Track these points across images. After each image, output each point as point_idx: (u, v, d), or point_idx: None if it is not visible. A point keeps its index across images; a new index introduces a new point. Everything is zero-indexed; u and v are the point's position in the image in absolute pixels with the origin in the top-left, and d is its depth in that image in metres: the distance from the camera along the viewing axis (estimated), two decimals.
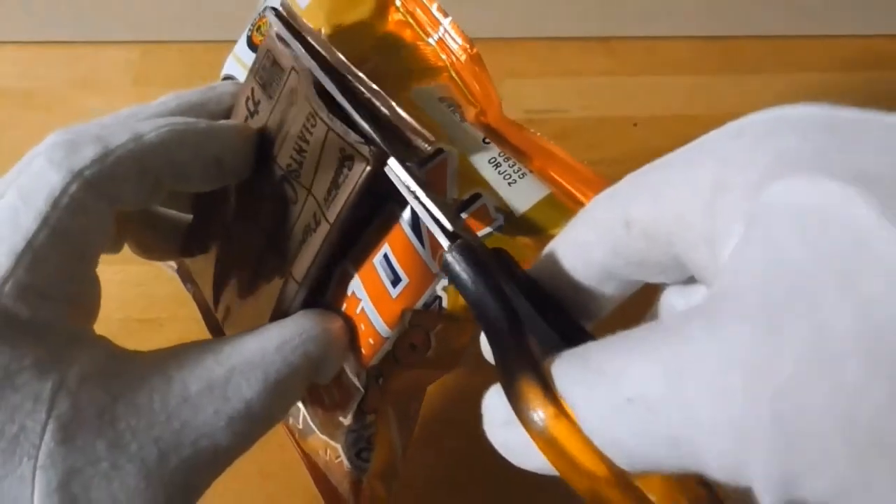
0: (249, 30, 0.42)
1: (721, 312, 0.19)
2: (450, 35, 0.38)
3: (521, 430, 0.22)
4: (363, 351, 0.34)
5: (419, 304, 0.33)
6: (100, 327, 0.49)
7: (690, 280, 0.25)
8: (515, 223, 0.33)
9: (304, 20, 0.34)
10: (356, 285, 0.34)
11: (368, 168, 0.29)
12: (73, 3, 0.65)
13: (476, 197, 0.33)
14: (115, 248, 0.36)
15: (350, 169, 0.30)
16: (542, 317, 0.26)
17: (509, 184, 0.33)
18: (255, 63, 0.35)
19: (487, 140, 0.35)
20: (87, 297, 0.31)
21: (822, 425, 0.17)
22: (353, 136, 0.30)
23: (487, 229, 0.33)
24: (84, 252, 0.30)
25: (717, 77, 0.65)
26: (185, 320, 0.53)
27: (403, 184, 0.29)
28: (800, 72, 0.66)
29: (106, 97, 0.65)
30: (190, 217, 0.39)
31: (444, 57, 0.38)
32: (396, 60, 0.37)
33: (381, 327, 0.33)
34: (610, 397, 0.20)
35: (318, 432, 0.38)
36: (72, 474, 0.26)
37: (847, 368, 0.17)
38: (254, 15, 0.42)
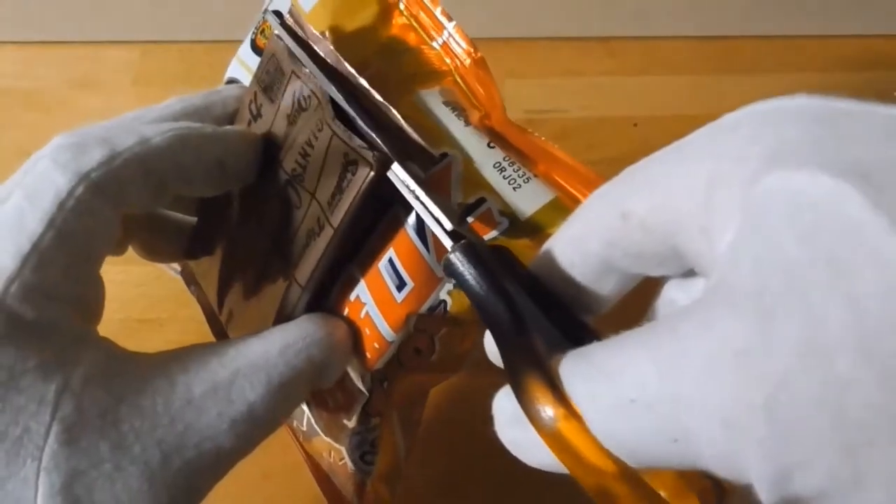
0: (253, 33, 0.42)
1: (714, 308, 0.20)
2: (454, 39, 0.38)
3: (530, 428, 0.22)
4: (367, 355, 0.34)
5: (424, 309, 0.33)
6: (100, 327, 0.49)
7: (690, 273, 0.25)
8: (520, 227, 0.33)
9: (311, 26, 0.34)
10: (361, 289, 0.34)
11: (372, 173, 0.29)
12: (73, 3, 0.65)
13: (481, 201, 0.33)
14: (119, 250, 0.36)
15: (353, 174, 0.30)
16: (545, 314, 0.26)
17: (514, 188, 0.34)
18: (258, 67, 0.35)
19: (492, 144, 0.35)
20: (91, 298, 0.31)
21: (814, 419, 0.18)
22: (357, 141, 0.30)
23: (493, 233, 0.33)
24: (89, 254, 0.30)
25: (717, 77, 0.65)
26: (186, 321, 0.53)
27: (405, 185, 0.29)
28: (800, 72, 0.66)
29: (106, 97, 0.65)
30: (194, 220, 0.39)
31: (448, 61, 0.38)
32: (400, 64, 0.38)
33: (386, 331, 0.33)
34: (613, 397, 0.20)
35: (322, 434, 0.38)
36: (75, 476, 0.26)
37: (838, 362, 0.17)
38: (257, 18, 0.42)
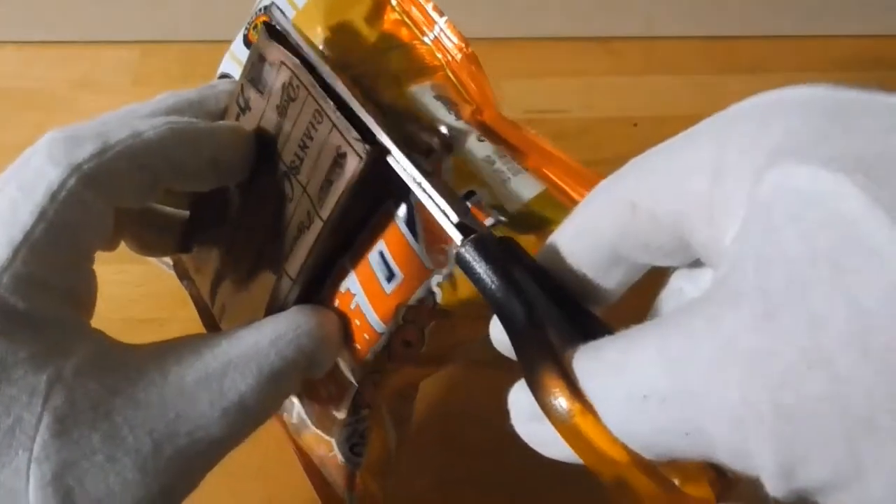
0: (246, 28, 0.42)
1: (721, 305, 0.20)
2: (445, 34, 0.38)
3: (546, 422, 0.22)
4: (357, 346, 0.34)
5: (413, 300, 0.33)
6: (101, 327, 0.49)
7: (697, 263, 0.25)
8: (511, 220, 0.33)
9: (297, 31, 0.34)
10: (351, 281, 0.34)
11: (361, 165, 0.30)
12: (73, 3, 0.65)
13: (471, 194, 0.33)
14: (112, 245, 0.36)
15: (343, 166, 0.30)
16: (555, 306, 0.26)
17: (504, 181, 0.34)
18: (246, 60, 0.35)
19: (482, 138, 0.35)
20: (83, 290, 0.31)
21: (819, 413, 0.18)
22: (353, 134, 0.30)
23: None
24: (81, 246, 0.30)
25: (718, 77, 0.65)
26: (186, 321, 0.53)
27: (409, 175, 0.29)
28: (800, 71, 0.66)
29: (106, 97, 0.65)
30: (186, 213, 0.39)
31: (439, 56, 0.38)
32: (392, 59, 0.38)
33: (376, 323, 0.33)
34: (625, 393, 0.21)
35: (312, 427, 0.38)
36: (66, 467, 0.26)
37: (839, 360, 0.17)
38: (251, 13, 0.42)
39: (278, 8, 0.37)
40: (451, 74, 0.38)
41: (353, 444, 0.37)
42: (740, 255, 0.20)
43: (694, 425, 0.20)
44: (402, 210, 0.32)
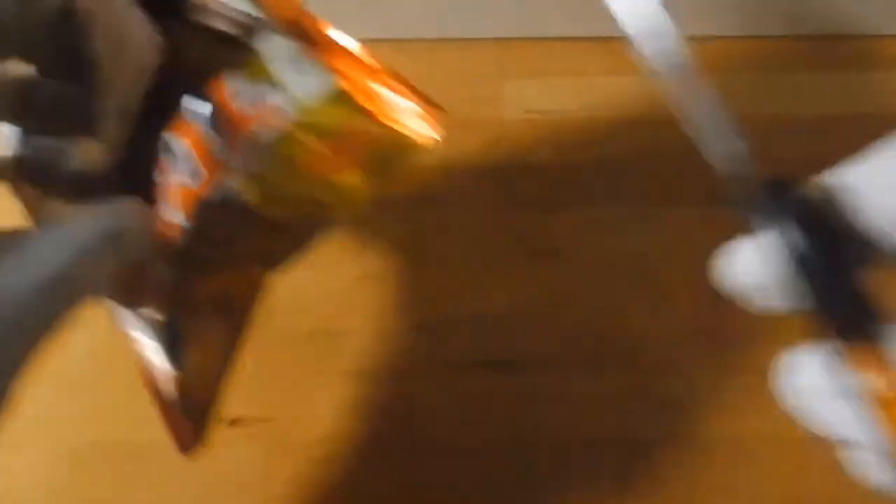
0: None
1: None
2: None
3: (854, 400, 0.21)
4: (166, 241, 0.35)
5: (217, 198, 0.33)
6: (100, 327, 0.49)
7: None
8: (305, 120, 0.33)
9: None
10: (159, 176, 0.35)
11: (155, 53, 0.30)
12: None
13: (265, 90, 0.33)
14: None
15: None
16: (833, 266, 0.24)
17: (299, 75, 0.34)
18: None
19: (281, 32, 0.35)
20: None
21: None
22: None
23: (277, 126, 0.33)
24: None
25: (718, 77, 0.65)
26: None
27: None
28: (800, 72, 0.66)
29: None
30: None
31: None
32: None
33: (179, 218, 0.34)
34: None
35: (135, 334, 0.39)
36: None
37: None
38: None
39: None
40: None
41: (172, 347, 0.37)
42: None
43: None
44: (204, 108, 0.33)
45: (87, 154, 0.36)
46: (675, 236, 0.56)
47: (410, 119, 0.37)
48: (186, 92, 0.33)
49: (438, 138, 0.36)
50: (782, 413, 0.28)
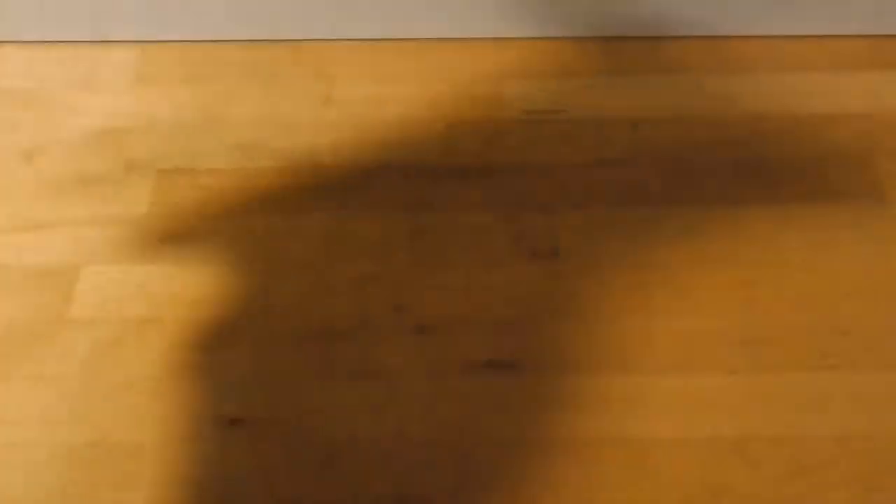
0: None
1: None
2: None
3: None
4: None
5: None
6: (100, 327, 0.50)
7: None
8: None
9: None
10: None
11: None
12: (73, 3, 0.65)
13: None
14: None
15: None
16: None
17: None
18: None
19: None
20: None
21: None
22: None
23: None
24: None
25: (717, 77, 0.65)
26: (186, 321, 0.53)
27: None
28: (800, 71, 0.66)
29: (106, 97, 0.65)
30: None
31: None
32: None
33: None
34: None
35: None
36: None
37: None
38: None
39: None
40: None
41: None
42: None
43: None
44: None
45: None
46: (674, 236, 0.56)
47: None
48: None
49: None
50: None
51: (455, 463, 0.48)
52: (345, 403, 0.50)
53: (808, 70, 0.66)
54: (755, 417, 0.49)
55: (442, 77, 0.65)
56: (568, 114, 0.63)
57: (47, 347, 0.52)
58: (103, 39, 0.67)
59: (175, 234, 0.57)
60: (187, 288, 0.54)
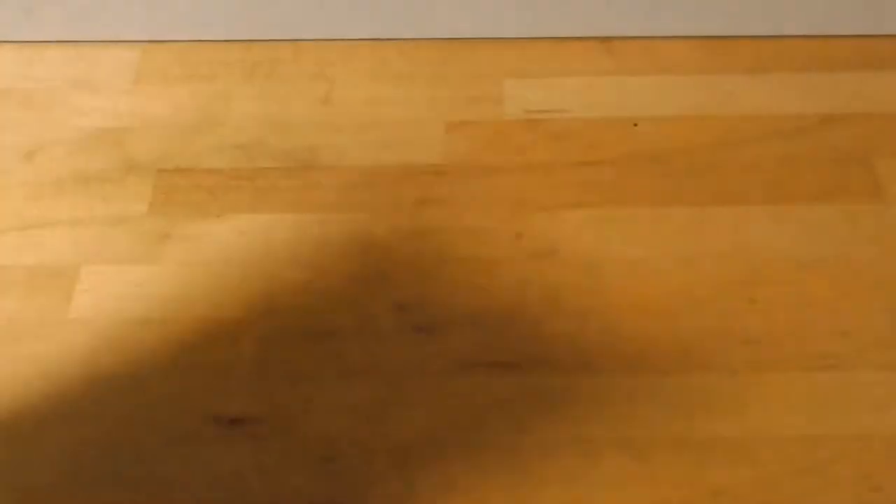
0: None
1: None
2: None
3: None
4: None
5: None
6: (100, 327, 0.50)
7: None
8: None
9: None
10: None
11: None
12: (73, 3, 0.65)
13: None
14: None
15: None
16: None
17: None
18: None
19: None
20: None
21: None
22: None
23: None
24: None
25: (718, 77, 0.65)
26: (186, 320, 0.53)
27: None
28: (800, 72, 0.66)
29: (106, 97, 0.65)
30: None
31: None
32: None
33: None
34: None
35: None
36: None
37: None
38: None
39: None
40: None
41: None
42: None
43: None
44: None
45: None
46: (675, 236, 0.57)
47: None
48: None
49: None
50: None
51: (455, 463, 0.48)
52: (345, 403, 0.50)
53: (807, 70, 0.66)
54: (755, 417, 0.49)
55: (442, 77, 0.65)
56: (568, 114, 0.63)
57: (47, 347, 0.52)
58: (103, 39, 0.67)
59: (175, 234, 0.57)
60: (187, 288, 0.54)
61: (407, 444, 0.49)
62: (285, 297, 0.54)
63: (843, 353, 0.51)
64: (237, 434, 0.49)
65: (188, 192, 0.59)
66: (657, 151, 0.60)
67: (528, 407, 0.50)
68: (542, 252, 0.56)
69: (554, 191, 0.59)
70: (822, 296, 0.54)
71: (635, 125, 0.62)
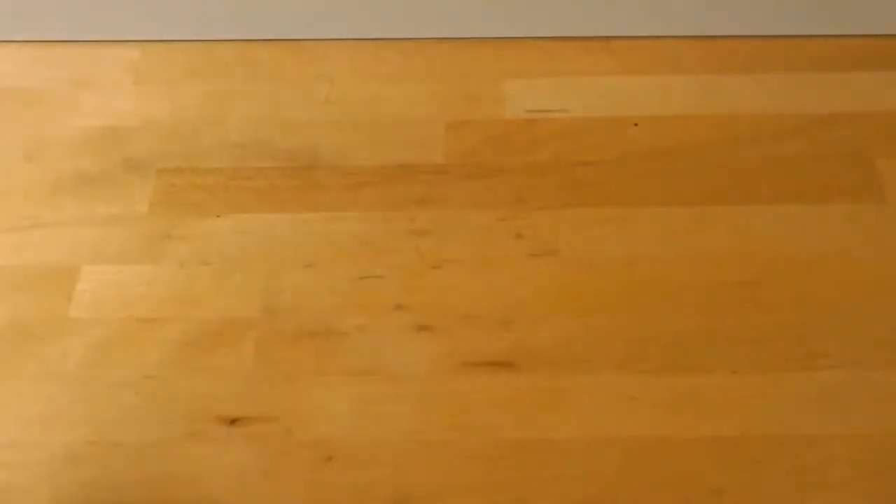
0: None
1: None
2: None
3: None
4: None
5: None
6: (100, 327, 0.50)
7: None
8: None
9: None
10: None
11: None
12: (73, 3, 0.65)
13: None
14: None
15: None
16: None
17: None
18: None
19: None
20: None
21: None
22: None
23: None
24: None
25: (718, 77, 0.65)
26: (186, 320, 0.53)
27: None
28: (799, 71, 0.66)
29: (106, 97, 0.65)
30: None
31: None
32: None
33: None
34: None
35: None
36: None
37: None
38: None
39: None
40: None
41: None
42: None
43: None
44: None
45: None
46: (674, 236, 0.57)
47: None
48: None
49: None
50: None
51: (455, 463, 0.48)
52: (345, 403, 0.50)
53: (807, 70, 0.66)
54: (755, 417, 0.49)
55: (442, 77, 0.65)
56: (568, 114, 0.63)
57: (47, 347, 0.52)
58: (103, 39, 0.67)
59: (175, 234, 0.57)
60: (187, 288, 0.54)
61: (407, 443, 0.49)
62: (285, 297, 0.54)
63: (843, 353, 0.51)
64: (237, 434, 0.49)
65: (188, 192, 0.59)
66: (657, 151, 0.60)
67: (527, 407, 0.50)
68: (541, 251, 0.56)
69: (554, 191, 0.59)
70: (822, 295, 0.54)
71: (635, 125, 0.62)
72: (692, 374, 0.51)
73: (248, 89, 0.65)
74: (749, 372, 0.51)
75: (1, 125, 0.63)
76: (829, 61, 0.66)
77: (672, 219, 0.57)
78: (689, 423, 0.49)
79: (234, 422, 0.49)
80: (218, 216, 0.58)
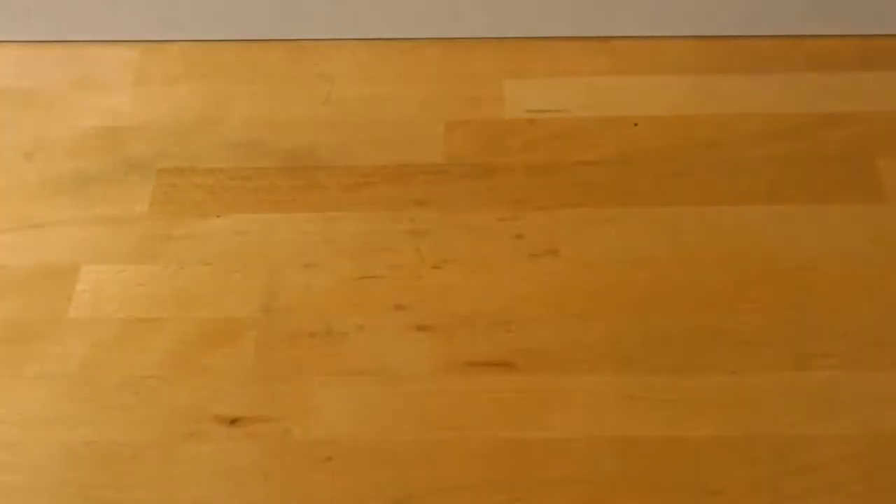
0: None
1: None
2: None
3: None
4: None
5: None
6: (100, 327, 0.50)
7: None
8: None
9: None
10: None
11: None
12: (72, 2, 0.65)
13: None
14: None
15: None
16: None
17: None
18: None
19: None
20: None
21: None
22: None
23: None
24: None
25: (718, 77, 0.65)
26: (186, 320, 0.53)
27: None
28: (799, 71, 0.66)
29: (106, 97, 0.65)
30: None
31: None
32: None
33: None
34: None
35: None
36: None
37: None
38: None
39: None
40: None
41: None
42: None
43: None
44: None
45: None
46: (674, 236, 0.57)
47: None
48: None
49: None
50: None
51: (455, 463, 0.48)
52: (345, 403, 0.50)
53: (807, 70, 0.66)
54: (755, 417, 0.49)
55: (442, 77, 0.65)
56: (568, 114, 0.63)
57: (47, 347, 0.52)
58: (103, 39, 0.67)
59: (175, 234, 0.57)
60: (187, 288, 0.54)
61: (407, 443, 0.49)
62: (285, 296, 0.54)
63: (843, 353, 0.51)
64: (237, 434, 0.49)
65: (188, 192, 0.59)
66: (657, 151, 0.60)
67: (527, 407, 0.50)
68: (541, 252, 0.56)
69: (554, 191, 0.59)
70: (821, 295, 0.54)
71: (635, 125, 0.62)
72: (692, 374, 0.51)
73: (248, 89, 0.65)
74: (749, 372, 0.51)
75: (1, 125, 0.63)
76: (829, 61, 0.66)
77: (672, 219, 0.57)
78: (689, 422, 0.49)
79: (233, 422, 0.49)
80: (218, 216, 0.58)
